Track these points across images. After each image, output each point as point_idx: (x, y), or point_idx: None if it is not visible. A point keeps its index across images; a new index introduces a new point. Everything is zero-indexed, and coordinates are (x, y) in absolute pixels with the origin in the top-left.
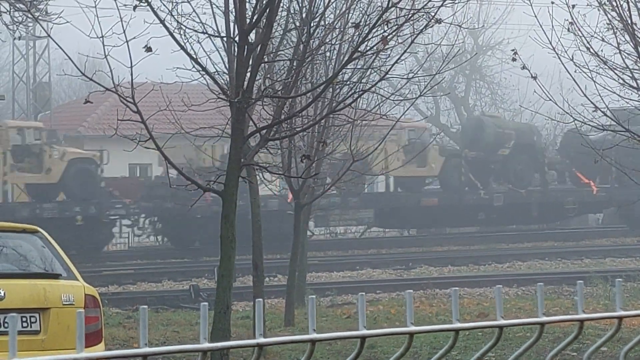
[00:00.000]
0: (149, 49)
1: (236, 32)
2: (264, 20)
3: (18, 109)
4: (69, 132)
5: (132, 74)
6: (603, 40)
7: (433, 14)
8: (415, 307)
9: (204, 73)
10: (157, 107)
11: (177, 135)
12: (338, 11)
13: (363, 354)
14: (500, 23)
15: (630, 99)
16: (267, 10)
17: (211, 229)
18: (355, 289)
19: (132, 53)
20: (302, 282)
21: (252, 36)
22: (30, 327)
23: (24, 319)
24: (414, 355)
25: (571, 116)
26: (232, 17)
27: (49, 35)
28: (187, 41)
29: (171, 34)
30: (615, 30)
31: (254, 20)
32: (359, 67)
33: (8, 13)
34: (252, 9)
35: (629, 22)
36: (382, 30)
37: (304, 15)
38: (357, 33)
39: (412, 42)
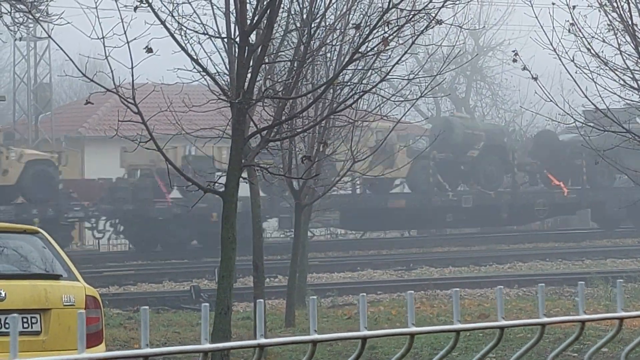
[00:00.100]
0: (149, 50)
1: (237, 33)
2: (265, 21)
3: (19, 109)
4: (69, 133)
5: (132, 75)
6: (604, 41)
7: (434, 15)
8: (416, 307)
9: (204, 74)
10: (158, 108)
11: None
12: (339, 12)
13: (364, 355)
14: (501, 24)
15: (631, 100)
16: (268, 11)
17: (173, 231)
18: (356, 290)
19: (132, 54)
20: (303, 282)
21: (252, 37)
22: (31, 327)
23: (25, 320)
24: (414, 356)
25: (572, 117)
26: (232, 18)
27: (49, 36)
28: (188, 42)
29: (172, 35)
30: (616, 31)
31: (254, 21)
32: (359, 68)
33: (9, 14)
34: (252, 10)
35: (630, 23)
36: (383, 31)
37: (304, 16)
38: (357, 34)
39: (413, 43)
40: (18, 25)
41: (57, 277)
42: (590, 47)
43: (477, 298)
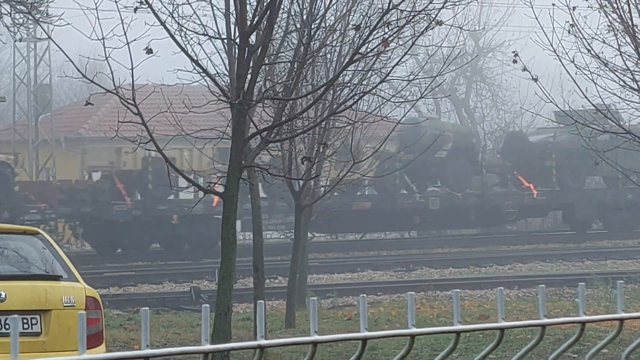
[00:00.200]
0: (149, 51)
1: (237, 34)
2: (265, 22)
3: (19, 110)
4: (69, 134)
5: (132, 76)
6: (604, 42)
7: (434, 16)
8: (416, 309)
9: (204, 75)
10: (158, 109)
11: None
12: (339, 13)
13: (364, 356)
14: (501, 25)
15: (632, 101)
16: (268, 12)
17: (133, 233)
18: (356, 291)
19: (132, 55)
20: (303, 283)
21: (252, 38)
22: (31, 328)
23: (25, 321)
24: (415, 357)
25: (572, 118)
26: (232, 19)
27: (49, 37)
28: (188, 43)
29: (172, 36)
30: (616, 32)
31: (254, 22)
32: (359, 69)
33: (9, 15)
34: (252, 11)
35: (630, 23)
36: (383, 32)
37: (304, 17)
38: (357, 35)
39: (413, 44)
40: (18, 26)
41: (57, 278)
42: (590, 48)
43: (477, 299)
